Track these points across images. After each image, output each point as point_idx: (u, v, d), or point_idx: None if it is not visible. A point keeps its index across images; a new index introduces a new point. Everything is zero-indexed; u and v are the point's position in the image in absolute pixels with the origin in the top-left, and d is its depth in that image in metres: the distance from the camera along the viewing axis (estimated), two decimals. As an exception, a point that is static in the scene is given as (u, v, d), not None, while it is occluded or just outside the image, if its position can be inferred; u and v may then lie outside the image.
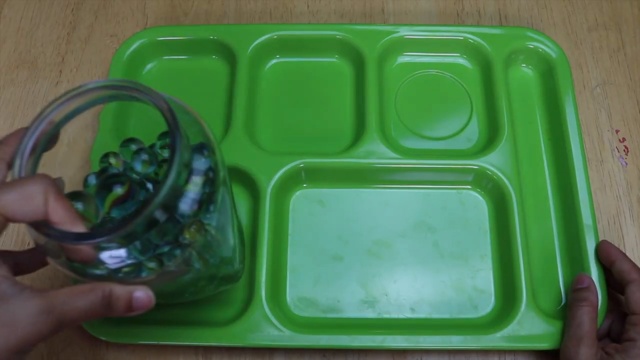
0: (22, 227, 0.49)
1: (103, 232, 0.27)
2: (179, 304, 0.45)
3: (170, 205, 0.29)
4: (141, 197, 0.34)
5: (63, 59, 0.57)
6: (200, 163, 0.31)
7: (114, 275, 0.29)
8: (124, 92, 0.30)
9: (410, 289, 0.46)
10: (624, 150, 0.52)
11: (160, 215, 0.28)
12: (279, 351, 0.45)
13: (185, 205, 0.29)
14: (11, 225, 0.50)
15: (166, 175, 0.27)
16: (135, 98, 0.30)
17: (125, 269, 0.29)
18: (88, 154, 0.36)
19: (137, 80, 0.53)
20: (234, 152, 0.48)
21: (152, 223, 0.28)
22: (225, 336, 0.43)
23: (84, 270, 0.29)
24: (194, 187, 0.30)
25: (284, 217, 0.49)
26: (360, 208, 0.49)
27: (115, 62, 0.52)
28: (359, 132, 0.51)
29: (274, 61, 0.55)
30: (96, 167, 0.36)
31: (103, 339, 0.43)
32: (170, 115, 0.29)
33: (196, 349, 0.45)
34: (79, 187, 0.36)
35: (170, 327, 0.43)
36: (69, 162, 0.32)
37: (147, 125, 0.37)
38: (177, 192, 0.29)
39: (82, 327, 0.45)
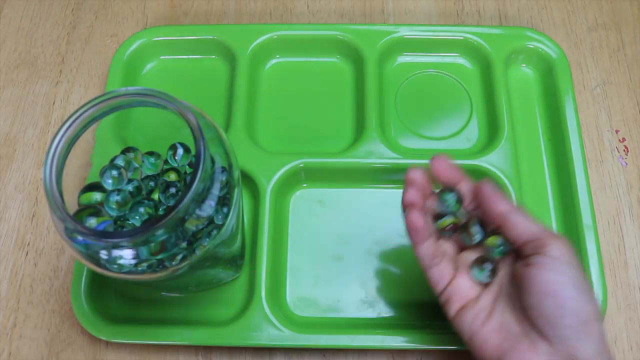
0: (21, 227, 0.49)
1: (125, 234, 0.29)
2: (180, 301, 0.46)
3: (190, 211, 0.30)
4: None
5: (63, 59, 0.57)
6: (218, 169, 0.32)
7: (134, 269, 0.31)
8: (151, 100, 0.32)
9: (410, 288, 0.46)
10: (624, 151, 0.52)
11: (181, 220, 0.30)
12: (279, 351, 0.45)
13: (203, 210, 0.31)
14: (9, 225, 0.50)
15: (190, 185, 0.29)
16: (162, 106, 0.32)
17: (142, 266, 0.31)
18: (89, 154, 0.36)
19: (139, 82, 0.54)
20: (234, 152, 0.48)
21: (174, 226, 0.30)
22: (225, 336, 0.43)
23: (100, 263, 0.31)
24: (212, 192, 0.32)
25: (284, 217, 0.49)
26: (360, 208, 0.49)
27: (115, 62, 0.52)
28: (358, 132, 0.51)
29: (274, 61, 0.55)
30: (97, 168, 0.36)
31: (103, 338, 0.43)
32: (197, 126, 0.30)
33: (196, 348, 0.45)
34: (79, 186, 0.36)
35: (170, 327, 0.43)
36: (69, 161, 0.32)
37: (147, 125, 0.37)
38: (198, 199, 0.31)
39: (82, 327, 0.45)
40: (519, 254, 0.35)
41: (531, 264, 0.33)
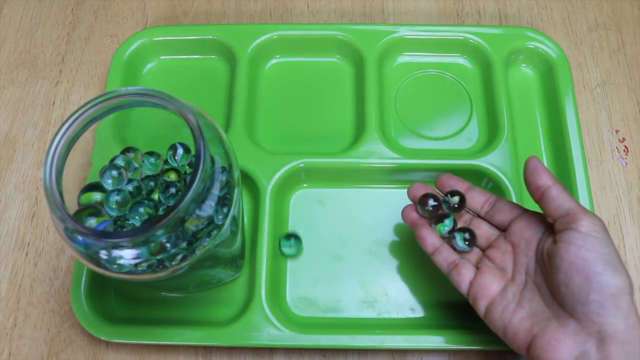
0: (21, 227, 0.49)
1: (125, 234, 0.29)
2: (180, 301, 0.46)
3: (190, 211, 0.30)
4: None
5: (63, 59, 0.57)
6: (218, 169, 0.32)
7: (134, 269, 0.31)
8: (151, 100, 0.31)
9: (410, 288, 0.46)
10: (624, 150, 0.52)
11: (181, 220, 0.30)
12: (279, 351, 0.45)
13: (203, 210, 0.31)
14: (9, 225, 0.50)
15: (190, 185, 0.29)
16: (162, 106, 0.32)
17: (142, 266, 0.31)
18: (89, 154, 0.36)
19: (139, 82, 0.54)
20: (234, 152, 0.48)
21: (174, 226, 0.30)
22: (225, 336, 0.43)
23: (100, 263, 0.31)
24: (212, 192, 0.32)
25: (284, 217, 0.49)
26: (360, 208, 0.49)
27: (115, 62, 0.52)
28: (359, 132, 0.51)
29: (274, 61, 0.55)
30: (97, 168, 0.36)
31: (103, 339, 0.43)
32: (197, 126, 0.30)
33: (196, 349, 0.45)
34: (79, 186, 0.36)
35: (170, 327, 0.43)
36: (69, 161, 0.32)
37: (147, 125, 0.37)
38: (198, 199, 0.31)
39: (82, 327, 0.45)
40: (552, 232, 0.36)
41: (561, 240, 0.34)
